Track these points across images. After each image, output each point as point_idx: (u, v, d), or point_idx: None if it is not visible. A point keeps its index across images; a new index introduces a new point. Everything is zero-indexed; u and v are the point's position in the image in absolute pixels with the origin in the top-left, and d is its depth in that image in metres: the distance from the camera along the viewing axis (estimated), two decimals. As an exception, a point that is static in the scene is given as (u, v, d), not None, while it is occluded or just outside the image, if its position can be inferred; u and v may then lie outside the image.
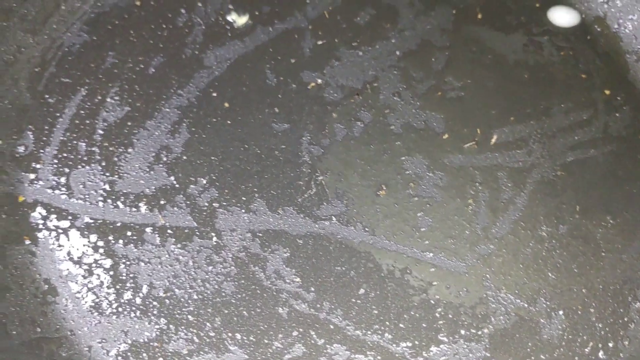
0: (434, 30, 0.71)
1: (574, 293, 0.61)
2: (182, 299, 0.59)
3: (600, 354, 0.59)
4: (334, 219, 0.62)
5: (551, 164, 0.65)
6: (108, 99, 0.66)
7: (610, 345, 0.59)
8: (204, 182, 0.64)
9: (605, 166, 0.65)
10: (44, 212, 0.62)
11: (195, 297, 0.59)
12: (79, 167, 0.64)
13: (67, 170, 0.63)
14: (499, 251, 0.62)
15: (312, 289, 0.60)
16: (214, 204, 0.63)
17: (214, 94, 0.67)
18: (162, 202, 0.63)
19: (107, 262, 0.60)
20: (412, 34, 0.70)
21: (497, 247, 0.62)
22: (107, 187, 0.63)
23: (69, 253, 0.60)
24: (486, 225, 0.62)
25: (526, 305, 0.60)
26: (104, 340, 0.58)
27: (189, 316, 0.59)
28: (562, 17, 0.72)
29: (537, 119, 0.67)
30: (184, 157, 0.64)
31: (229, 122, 0.66)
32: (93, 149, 0.64)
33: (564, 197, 0.64)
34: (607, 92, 0.68)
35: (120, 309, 0.59)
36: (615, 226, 0.63)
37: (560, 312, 0.60)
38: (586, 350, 0.59)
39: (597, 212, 0.63)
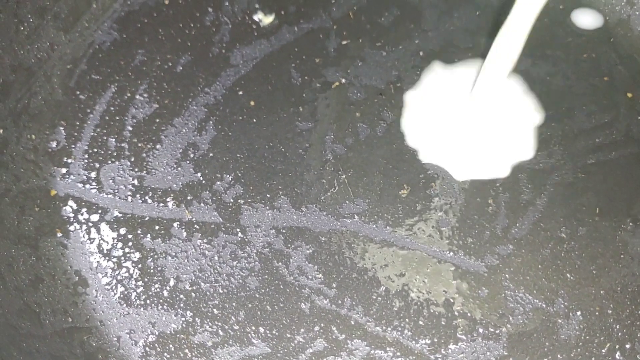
0: (457, 31, 0.71)
1: (592, 294, 0.61)
2: (207, 293, 0.61)
3: (617, 355, 0.60)
4: (356, 217, 0.64)
5: (572, 166, 0.66)
6: (137, 96, 0.68)
7: (627, 346, 0.60)
8: (230, 178, 0.65)
9: (626, 169, 0.65)
10: (75, 206, 0.64)
11: (220, 291, 0.61)
12: (109, 162, 0.66)
13: (97, 165, 0.65)
14: (518, 251, 0.63)
15: (334, 285, 0.61)
16: (239, 201, 0.64)
17: (240, 93, 0.68)
18: (189, 198, 0.64)
19: (136, 255, 0.62)
20: (435, 35, 0.71)
21: (516, 247, 0.63)
22: (135, 182, 0.65)
23: (99, 246, 0.62)
24: (506, 226, 0.63)
25: (544, 305, 0.61)
26: (132, 331, 0.60)
27: (214, 309, 0.60)
28: (586, 19, 0.72)
29: (559, 121, 0.67)
30: (211, 154, 0.66)
31: (254, 120, 0.67)
32: (122, 144, 0.66)
33: (584, 199, 0.64)
34: (630, 95, 0.68)
35: (148, 301, 0.61)
36: (635, 229, 0.63)
37: (578, 313, 0.61)
38: (603, 351, 0.60)
39: (616, 215, 0.64)
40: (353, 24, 0.72)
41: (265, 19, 0.72)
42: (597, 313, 0.61)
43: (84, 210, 0.64)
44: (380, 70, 0.70)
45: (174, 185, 0.65)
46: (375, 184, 0.65)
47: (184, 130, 0.67)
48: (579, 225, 0.63)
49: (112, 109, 0.68)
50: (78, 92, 0.68)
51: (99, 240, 0.63)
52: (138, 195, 0.64)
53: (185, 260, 0.62)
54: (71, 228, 0.63)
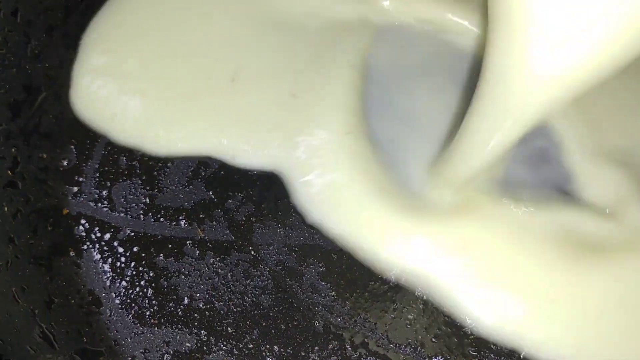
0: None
1: (602, 310, 0.62)
2: (221, 311, 0.61)
3: (628, 370, 0.60)
4: (367, 234, 0.64)
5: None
6: (147, 114, 0.68)
7: (637, 361, 0.60)
8: (241, 196, 0.65)
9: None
10: (87, 225, 0.64)
11: (234, 309, 0.61)
12: (120, 180, 0.66)
13: (109, 183, 0.65)
14: (528, 268, 0.63)
15: (347, 302, 0.62)
16: (251, 219, 0.64)
17: (250, 110, 0.69)
18: (201, 216, 0.64)
19: (149, 274, 0.62)
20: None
21: (526, 263, 0.63)
22: (147, 200, 0.65)
23: (112, 265, 0.62)
24: (516, 242, 0.64)
25: (555, 321, 0.61)
26: (146, 351, 0.60)
27: (228, 328, 0.61)
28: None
29: (566, 137, 0.68)
30: (222, 172, 0.66)
31: (265, 138, 0.68)
32: (133, 163, 0.66)
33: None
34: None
35: (162, 320, 0.61)
36: None
37: (588, 329, 0.61)
38: (613, 366, 0.60)
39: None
40: (361, 41, 0.72)
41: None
42: (607, 329, 0.61)
43: (96, 229, 0.64)
44: (388, 86, 0.70)
45: (186, 203, 0.65)
46: (386, 202, 0.65)
47: (194, 148, 0.67)
48: (588, 241, 0.64)
49: (123, 127, 0.68)
50: (88, 110, 0.68)
51: (112, 259, 0.63)
52: (150, 214, 0.64)
53: (199, 279, 0.62)
54: (84, 247, 0.63)
